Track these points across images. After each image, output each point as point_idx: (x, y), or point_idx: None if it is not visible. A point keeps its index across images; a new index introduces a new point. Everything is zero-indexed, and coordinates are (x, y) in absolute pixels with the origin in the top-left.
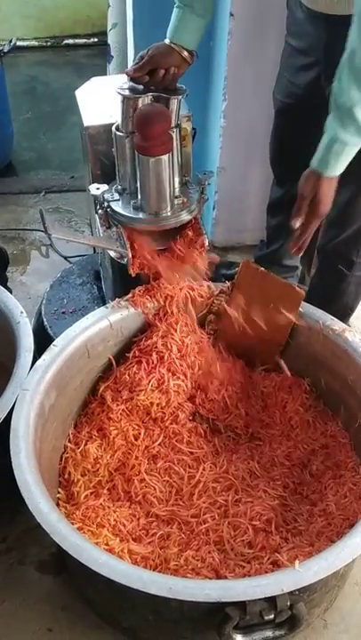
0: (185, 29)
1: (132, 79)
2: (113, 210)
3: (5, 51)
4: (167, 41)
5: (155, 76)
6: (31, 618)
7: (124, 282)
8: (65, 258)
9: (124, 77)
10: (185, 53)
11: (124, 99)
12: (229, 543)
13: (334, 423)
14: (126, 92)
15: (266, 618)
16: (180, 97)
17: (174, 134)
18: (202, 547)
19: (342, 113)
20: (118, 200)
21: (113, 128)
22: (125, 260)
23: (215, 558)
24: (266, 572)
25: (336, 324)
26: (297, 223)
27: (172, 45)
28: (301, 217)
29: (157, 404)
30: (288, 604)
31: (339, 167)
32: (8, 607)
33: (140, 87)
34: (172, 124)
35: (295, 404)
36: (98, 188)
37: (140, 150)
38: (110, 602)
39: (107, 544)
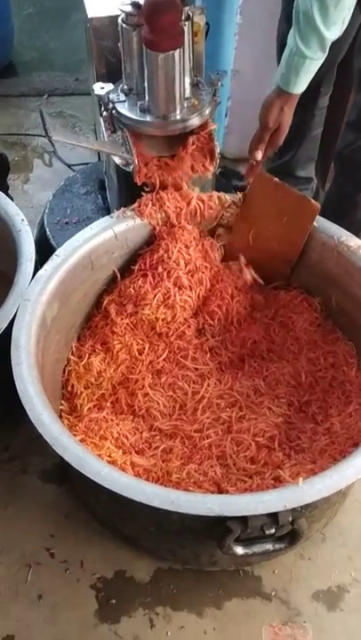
0: None
1: None
2: (118, 112)
3: None
4: None
5: None
6: (35, 523)
7: (129, 191)
8: (68, 166)
9: None
10: None
11: None
12: (232, 458)
13: (343, 343)
14: None
15: (267, 532)
16: None
17: (186, 28)
18: (204, 461)
19: (301, 21)
20: (124, 101)
21: (119, 20)
22: (131, 167)
23: (217, 472)
24: (267, 488)
25: (352, 241)
26: (259, 155)
27: None
28: (262, 148)
29: (163, 319)
30: (290, 519)
31: (300, 84)
32: (11, 512)
33: None
34: (184, 17)
35: (304, 323)
36: (102, 88)
37: (149, 45)
38: (112, 512)
39: (109, 456)
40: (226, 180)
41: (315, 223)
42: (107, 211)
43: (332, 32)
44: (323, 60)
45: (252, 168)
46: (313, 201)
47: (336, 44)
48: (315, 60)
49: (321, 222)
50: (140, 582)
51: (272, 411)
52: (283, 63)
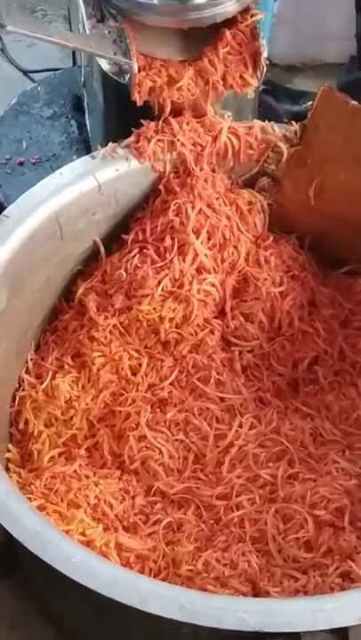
0: None
1: None
2: None
3: None
4: None
5: None
6: None
7: (122, 115)
8: (24, 73)
9: None
10: None
11: None
12: (276, 542)
13: None
14: None
15: None
16: None
17: None
18: (232, 545)
19: None
20: None
21: None
22: (127, 77)
23: (252, 563)
24: (332, 590)
25: None
26: None
27: None
28: None
29: (171, 320)
30: None
31: None
32: None
33: None
34: None
35: None
36: None
37: None
38: (86, 621)
39: (83, 533)
40: (275, 101)
41: None
42: (85, 145)
43: None
44: None
45: None
46: None
47: None
48: None
49: None
50: None
51: (341, 468)
52: None
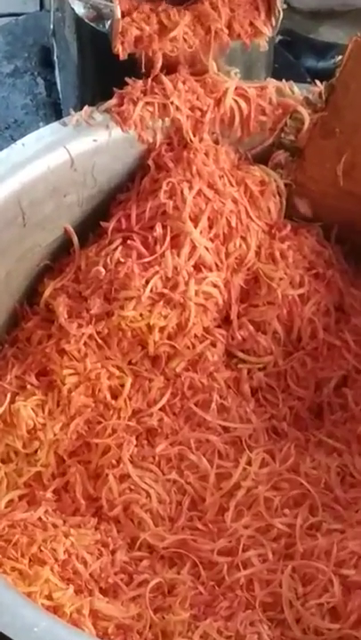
0: None
1: None
2: None
3: None
4: None
5: None
6: None
7: (101, 72)
8: None
9: None
10: None
11: None
12: (293, 608)
13: None
14: None
15: None
16: None
17: None
18: (237, 612)
19: None
20: None
21: None
22: (108, 23)
23: (264, 636)
24: None
25: None
26: None
27: None
28: None
29: (162, 329)
30: None
31: None
32: None
33: None
34: None
35: None
36: None
37: None
38: None
39: (49, 597)
40: (293, 55)
41: None
42: (54, 110)
43: None
44: None
45: None
46: None
47: None
48: None
49: None
50: None
51: None
52: None
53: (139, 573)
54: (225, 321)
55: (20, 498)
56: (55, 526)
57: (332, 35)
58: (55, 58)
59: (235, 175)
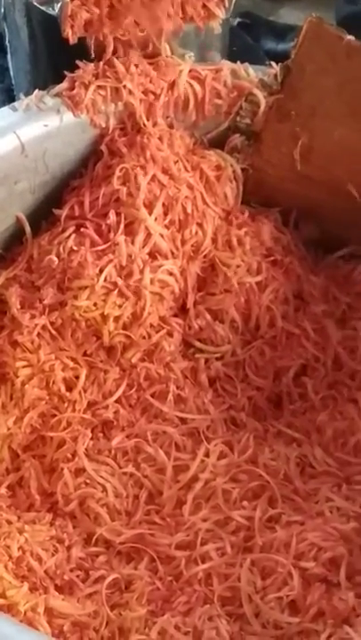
0: None
1: None
2: None
3: None
4: None
5: None
6: None
7: (52, 56)
8: None
9: None
10: None
11: None
12: (252, 602)
13: None
14: None
15: None
16: None
17: None
18: (196, 607)
19: None
20: None
21: None
22: (58, 6)
23: (222, 631)
24: None
25: None
26: None
27: None
28: None
29: (116, 319)
30: None
31: None
32: None
33: None
34: None
35: None
36: None
37: None
38: None
39: (3, 595)
40: (252, 38)
41: None
42: (6, 97)
43: None
44: None
45: None
46: None
47: None
48: None
49: None
50: None
51: (337, 508)
52: None
53: (95, 569)
54: (181, 310)
55: None
56: (9, 523)
57: (293, 16)
58: (7, 43)
59: (190, 160)
